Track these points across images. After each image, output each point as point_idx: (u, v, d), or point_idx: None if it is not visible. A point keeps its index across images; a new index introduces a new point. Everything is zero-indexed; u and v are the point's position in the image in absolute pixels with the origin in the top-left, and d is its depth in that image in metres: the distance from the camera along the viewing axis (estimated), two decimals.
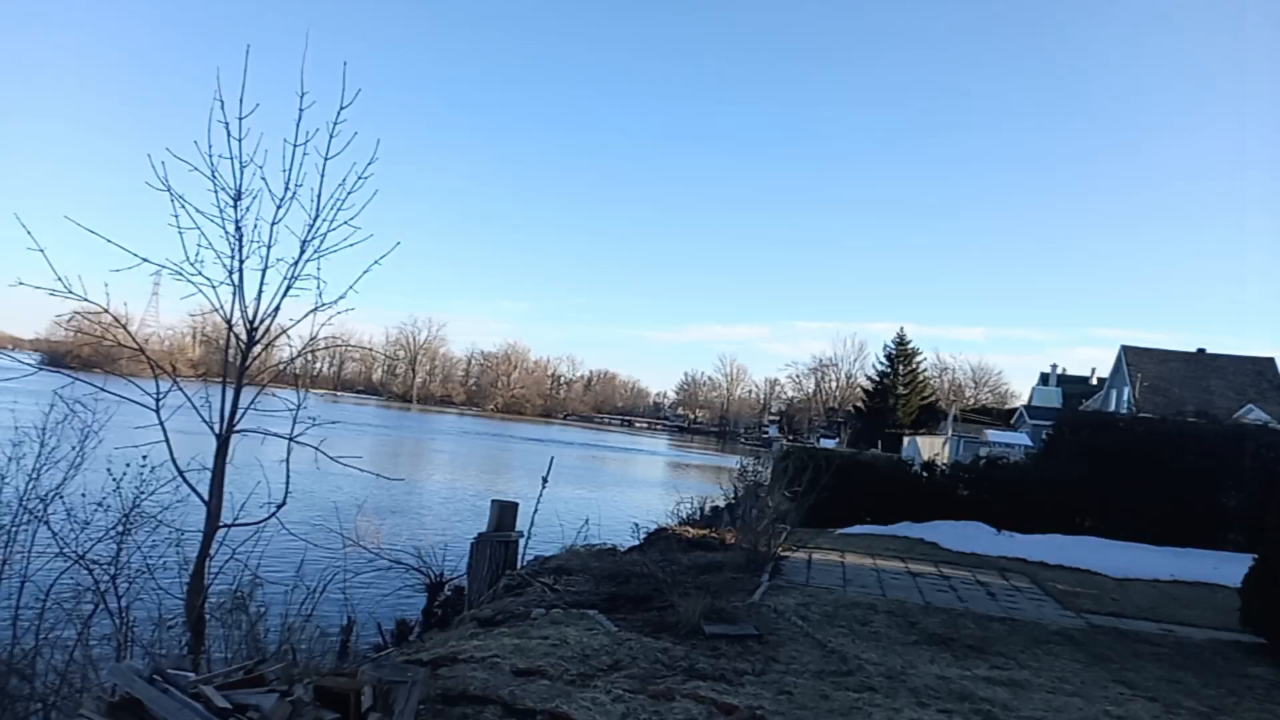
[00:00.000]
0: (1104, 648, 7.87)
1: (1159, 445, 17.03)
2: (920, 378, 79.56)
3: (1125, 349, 49.22)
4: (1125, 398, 45.60)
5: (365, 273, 6.32)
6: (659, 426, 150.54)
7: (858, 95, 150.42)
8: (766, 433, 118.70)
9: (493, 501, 11.18)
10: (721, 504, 18.51)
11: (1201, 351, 49.33)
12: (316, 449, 6.17)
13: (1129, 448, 17.05)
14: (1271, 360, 47.73)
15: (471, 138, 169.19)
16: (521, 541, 11.02)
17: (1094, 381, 65.48)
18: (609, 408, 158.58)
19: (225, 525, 6.00)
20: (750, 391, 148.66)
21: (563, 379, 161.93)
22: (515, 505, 11.11)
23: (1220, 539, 16.70)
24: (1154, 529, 16.63)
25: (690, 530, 14.35)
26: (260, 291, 6.05)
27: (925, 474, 18.99)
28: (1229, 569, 10.21)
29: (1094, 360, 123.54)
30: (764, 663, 6.30)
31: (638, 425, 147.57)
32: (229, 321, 6.05)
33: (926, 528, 16.29)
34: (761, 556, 10.77)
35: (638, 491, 39.31)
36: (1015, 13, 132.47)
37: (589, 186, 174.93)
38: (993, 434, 48.91)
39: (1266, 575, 8.23)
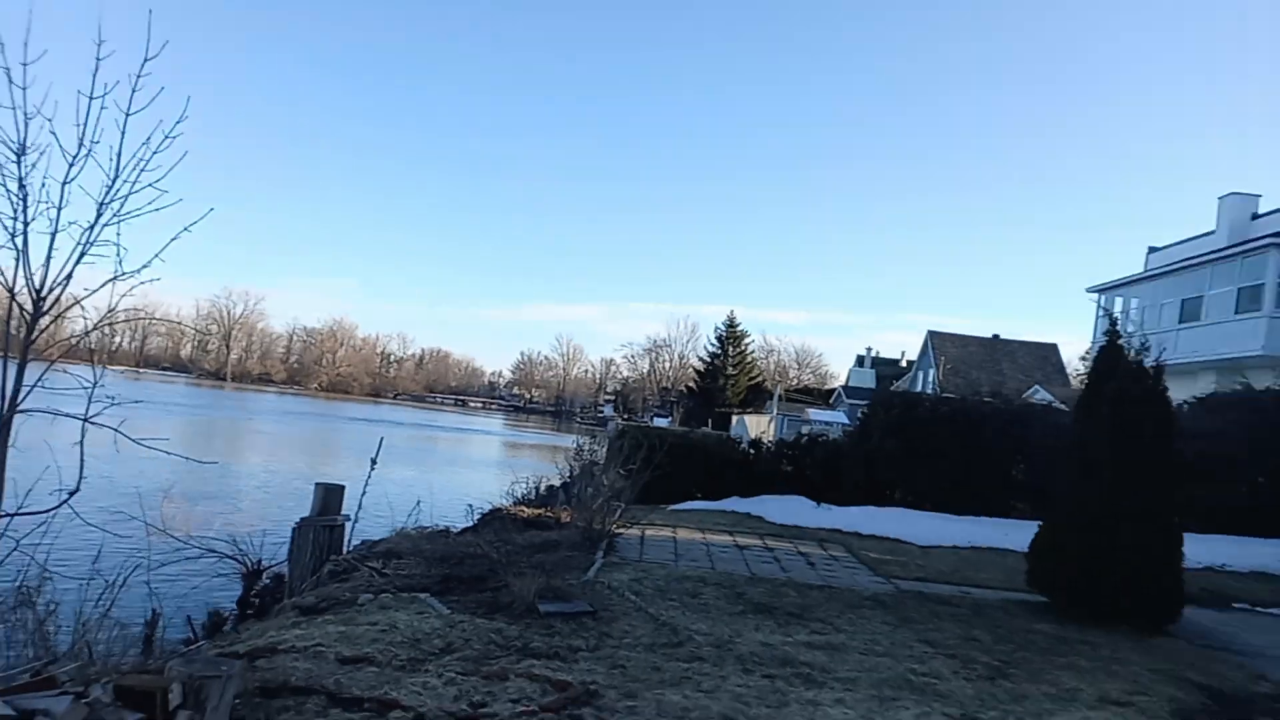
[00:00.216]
0: (910, 610, 8.48)
1: (959, 423, 18.49)
2: (748, 359, 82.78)
3: (931, 334, 53.12)
4: (931, 379, 49.21)
5: (173, 240, 5.78)
6: (494, 406, 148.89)
7: (697, 78, 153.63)
8: (602, 412, 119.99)
9: (316, 485, 10.68)
10: (557, 483, 18.54)
11: (996, 337, 53.97)
12: (116, 430, 5.64)
13: (934, 425, 18.42)
14: (1055, 346, 52.89)
15: (295, 105, 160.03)
16: (348, 525, 10.60)
17: (904, 363, 70.21)
18: (442, 387, 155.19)
19: (6, 515, 5.39)
20: (587, 371, 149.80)
21: (393, 357, 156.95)
22: (341, 488, 10.67)
23: (1010, 508, 18.39)
24: (955, 500, 18.07)
25: (526, 510, 14.29)
26: (49, 257, 5.43)
27: (752, 451, 19.78)
28: (1018, 535, 11.22)
29: (904, 344, 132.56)
30: (598, 638, 6.36)
31: (472, 405, 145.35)
32: (11, 290, 5.41)
33: (753, 502, 16.98)
34: (596, 534, 10.87)
35: (472, 471, 38.73)
36: None
37: (424, 157, 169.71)
38: (814, 413, 51.60)
39: (1049, 540, 9.11)
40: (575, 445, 17.64)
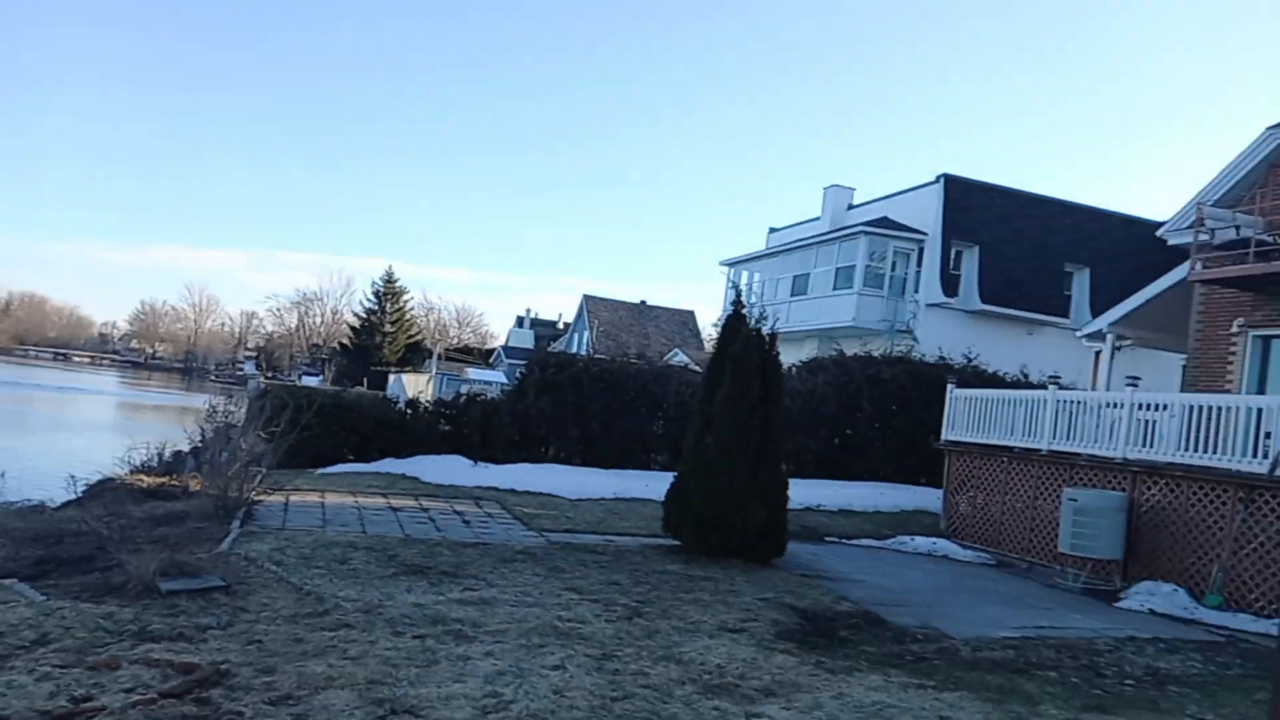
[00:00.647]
0: (559, 560, 8.91)
1: (608, 382, 19.63)
2: (408, 316, 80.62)
3: (586, 298, 55.64)
4: (585, 340, 51.61)
5: None
6: (106, 362, 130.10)
7: (365, 13, 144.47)
8: (242, 369, 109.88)
9: None
10: (186, 448, 16.72)
11: (644, 303, 57.94)
12: None
13: (585, 385, 19.37)
14: (693, 313, 57.94)
15: None
16: None
17: (561, 325, 72.80)
18: (37, 338, 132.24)
19: None
20: (224, 325, 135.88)
21: None
22: None
23: (651, 461, 19.94)
24: (604, 455, 19.20)
25: (146, 479, 12.74)
26: None
27: (409, 411, 19.37)
28: (658, 485, 12.21)
29: (562, 306, 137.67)
30: (231, 614, 5.89)
31: (78, 360, 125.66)
32: None
33: (409, 463, 16.68)
34: (233, 503, 10.01)
35: (79, 438, 33.60)
36: None
37: None
38: (474, 372, 51.74)
39: (680, 489, 10.07)
40: (208, 406, 15.97)
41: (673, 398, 19.70)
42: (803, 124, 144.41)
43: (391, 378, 53.95)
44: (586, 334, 52.39)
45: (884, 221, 26.72)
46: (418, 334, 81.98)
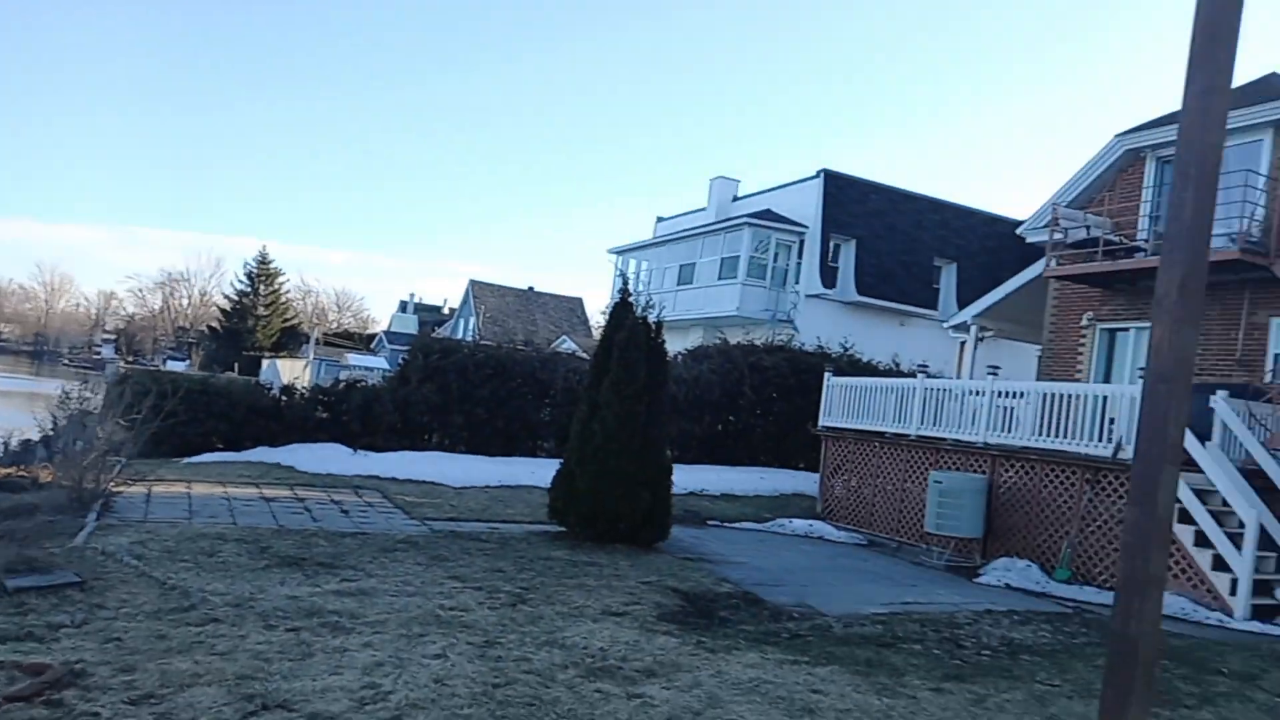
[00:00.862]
0: (442, 549, 8.78)
1: (495, 369, 19.43)
2: (283, 299, 77.32)
3: (473, 283, 54.78)
4: (471, 326, 50.84)
5: None
6: None
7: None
8: (99, 353, 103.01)
9: None
10: (36, 437, 15.58)
11: (531, 289, 57.49)
12: None
13: (471, 371, 19.11)
14: (581, 300, 57.90)
15: None
16: None
17: (446, 311, 71.52)
18: None
19: None
20: (79, 305, 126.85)
21: None
22: None
23: (538, 448, 19.87)
24: (489, 442, 19.01)
25: None
26: None
27: (284, 397, 18.63)
28: (544, 472, 12.19)
29: (447, 292, 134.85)
30: (87, 611, 5.56)
31: None
32: None
33: (284, 451, 16.07)
34: (89, 494, 9.42)
35: None
36: None
37: None
38: (354, 357, 50.20)
39: (566, 475, 10.08)
40: (61, 392, 14.92)
41: (560, 384, 19.66)
42: (692, 115, 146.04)
43: (265, 363, 51.76)
44: (473, 320, 51.61)
45: (767, 214, 27.38)
46: (294, 318, 78.76)
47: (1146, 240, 14.37)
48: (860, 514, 14.26)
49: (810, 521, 13.90)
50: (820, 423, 15.54)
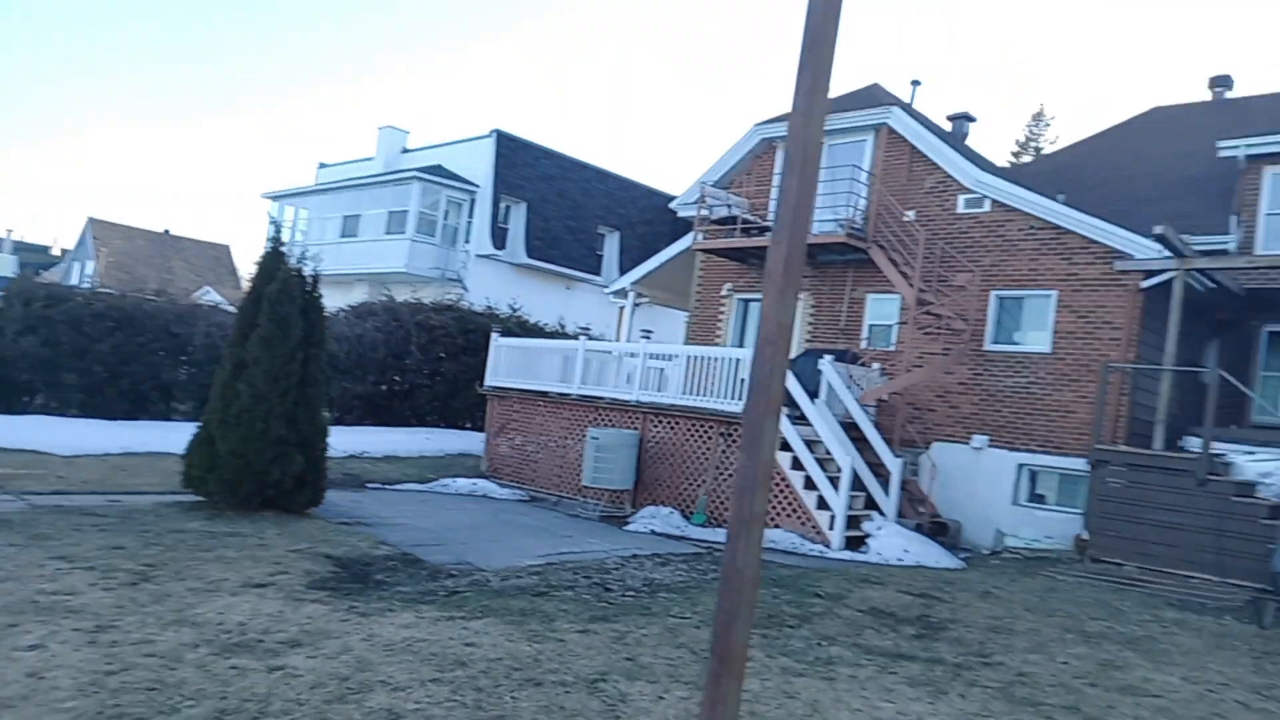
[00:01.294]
0: (45, 527, 7.60)
1: (119, 321, 17.08)
2: None
3: (92, 221, 47.51)
4: (90, 271, 44.22)
5: None
6: None
7: None
8: None
9: None
10: None
11: (168, 233, 51.16)
12: None
13: (87, 323, 16.64)
14: (228, 248, 52.69)
15: None
16: None
17: (56, 252, 61.64)
18: None
19: None
20: None
21: None
22: None
23: (173, 410, 17.88)
24: (111, 404, 16.74)
25: None
26: None
27: None
28: (178, 437, 10.95)
29: (58, 231, 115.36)
30: None
31: None
32: None
33: None
34: None
35: None
36: None
37: None
38: None
39: (205, 438, 9.16)
40: None
41: (201, 340, 17.81)
42: (358, 61, 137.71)
43: None
44: (92, 264, 44.80)
45: (438, 170, 26.79)
46: None
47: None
48: (524, 472, 14.65)
49: (475, 480, 14.01)
50: (486, 383, 15.67)
